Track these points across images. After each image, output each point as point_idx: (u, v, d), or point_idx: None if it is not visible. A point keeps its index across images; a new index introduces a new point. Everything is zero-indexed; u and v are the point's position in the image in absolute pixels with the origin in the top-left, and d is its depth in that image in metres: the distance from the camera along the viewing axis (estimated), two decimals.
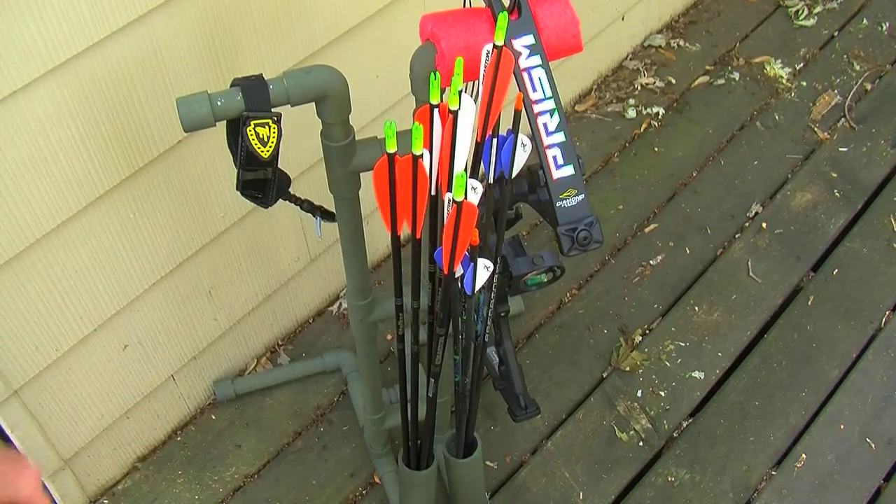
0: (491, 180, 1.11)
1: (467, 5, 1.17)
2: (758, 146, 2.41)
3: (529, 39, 1.11)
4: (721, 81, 2.57)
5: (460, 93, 1.03)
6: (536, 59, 1.11)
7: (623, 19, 2.48)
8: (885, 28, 2.71)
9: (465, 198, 1.04)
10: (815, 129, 2.44)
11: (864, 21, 2.74)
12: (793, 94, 2.54)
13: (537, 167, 1.15)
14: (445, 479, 1.70)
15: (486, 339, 1.28)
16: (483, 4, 1.13)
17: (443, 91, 1.11)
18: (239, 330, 1.88)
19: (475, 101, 1.06)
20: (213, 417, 1.90)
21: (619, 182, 2.33)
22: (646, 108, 2.49)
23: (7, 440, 1.08)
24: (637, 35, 2.62)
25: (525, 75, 1.10)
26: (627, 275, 2.14)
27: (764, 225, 2.23)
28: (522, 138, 1.07)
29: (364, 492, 1.81)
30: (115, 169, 1.40)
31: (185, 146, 1.49)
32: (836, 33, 2.71)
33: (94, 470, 1.75)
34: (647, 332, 2.04)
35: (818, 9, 2.77)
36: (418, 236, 1.14)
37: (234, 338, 1.89)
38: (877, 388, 1.94)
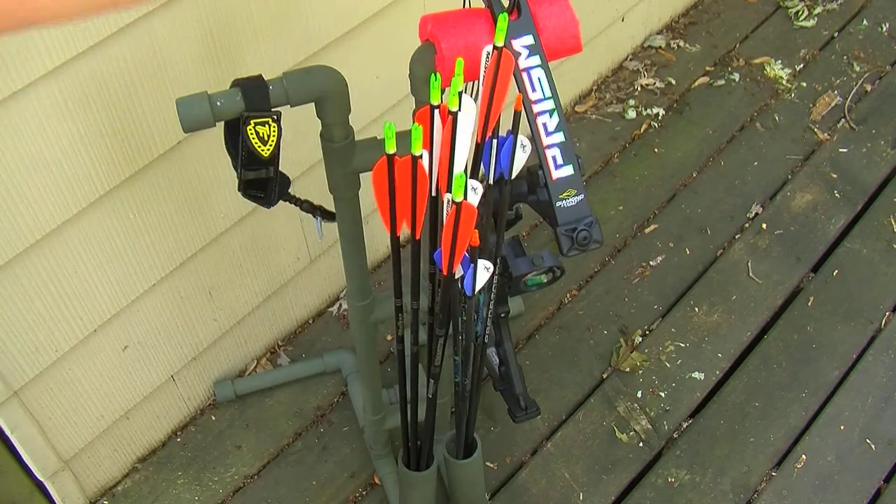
0: (491, 181, 1.11)
1: (467, 6, 1.17)
2: (758, 147, 2.41)
3: (529, 40, 1.11)
4: (721, 82, 2.57)
5: (460, 94, 1.03)
6: (536, 60, 1.11)
7: (623, 20, 2.48)
8: (885, 29, 2.71)
9: (465, 198, 1.04)
10: (815, 129, 2.44)
11: (864, 22, 2.74)
12: (793, 95, 2.54)
13: (537, 167, 1.15)
14: (445, 480, 1.70)
15: (486, 340, 1.28)
16: (483, 5, 1.13)
17: (443, 92, 1.11)
18: (239, 330, 1.88)
19: (475, 101, 1.06)
20: (213, 418, 1.90)
21: (618, 183, 2.33)
22: (646, 109, 2.49)
23: None
24: (637, 36, 2.62)
25: (524, 76, 1.10)
26: (627, 275, 2.14)
27: (764, 226, 2.23)
28: (522, 139, 1.07)
29: (364, 493, 1.81)
30: (116, 169, 1.40)
31: (186, 147, 1.49)
32: (836, 34, 2.71)
33: (94, 471, 1.74)
34: (647, 332, 2.04)
35: (818, 10, 2.77)
36: (418, 237, 1.14)
37: (234, 338, 1.89)
38: (877, 389, 1.94)
